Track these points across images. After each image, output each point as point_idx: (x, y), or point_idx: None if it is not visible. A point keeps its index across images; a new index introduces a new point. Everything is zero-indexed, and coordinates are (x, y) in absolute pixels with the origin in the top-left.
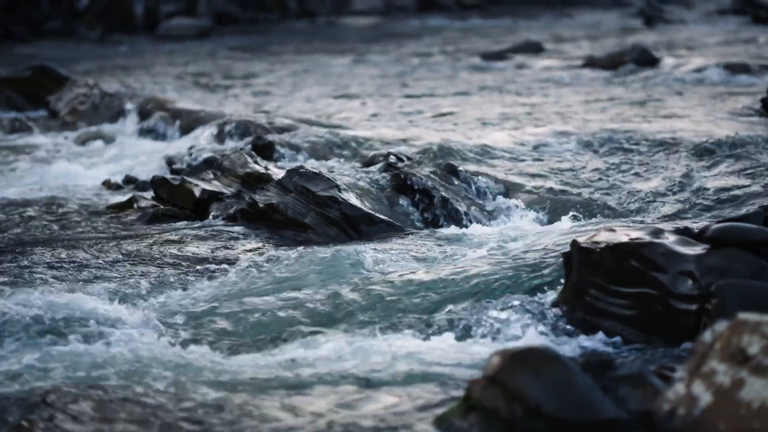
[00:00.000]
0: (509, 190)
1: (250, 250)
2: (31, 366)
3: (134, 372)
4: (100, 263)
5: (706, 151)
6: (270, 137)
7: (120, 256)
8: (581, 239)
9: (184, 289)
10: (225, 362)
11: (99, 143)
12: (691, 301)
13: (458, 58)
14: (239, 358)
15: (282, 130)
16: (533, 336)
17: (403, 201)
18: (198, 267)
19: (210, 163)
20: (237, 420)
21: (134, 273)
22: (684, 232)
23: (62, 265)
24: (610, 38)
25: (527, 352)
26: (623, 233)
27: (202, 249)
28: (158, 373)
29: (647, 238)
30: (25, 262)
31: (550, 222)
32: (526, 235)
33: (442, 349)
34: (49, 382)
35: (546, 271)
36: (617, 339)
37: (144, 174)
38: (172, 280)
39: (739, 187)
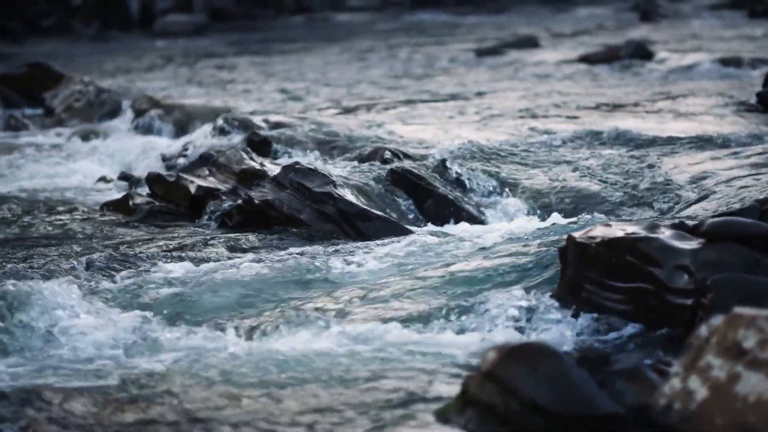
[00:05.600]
0: (505, 185)
1: (245, 247)
2: (21, 362)
3: (122, 368)
4: (93, 260)
5: (702, 146)
6: (265, 133)
7: (115, 254)
8: (577, 234)
9: (178, 286)
10: (211, 354)
11: (94, 140)
12: (687, 295)
13: (453, 53)
14: (227, 351)
15: (277, 126)
16: (529, 331)
17: (399, 197)
18: (191, 263)
19: (205, 160)
20: (228, 412)
21: (126, 269)
22: (679, 227)
23: (54, 262)
24: (606, 33)
25: (523, 347)
26: (619, 228)
27: (196, 246)
28: (148, 369)
29: (643, 233)
30: (17, 259)
31: (546, 217)
32: (521, 230)
33: (438, 345)
34: (41, 378)
35: (542, 267)
36: (613, 334)
37: (139, 171)
38: (165, 276)
39: (734, 182)
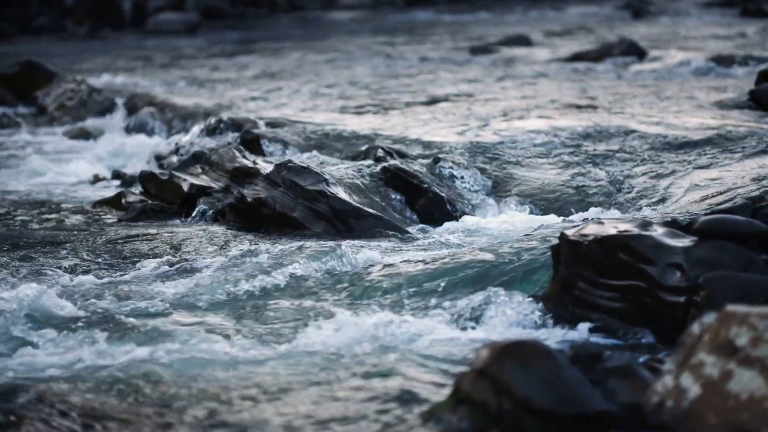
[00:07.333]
0: (497, 183)
1: (238, 245)
2: (10, 360)
3: (113, 365)
4: (85, 258)
5: (694, 144)
6: (258, 132)
7: (106, 252)
8: (569, 232)
9: (170, 284)
10: (201, 352)
11: (87, 139)
12: (680, 293)
13: (446, 51)
14: (218, 350)
15: (270, 124)
16: (522, 329)
17: (391, 195)
18: (184, 261)
19: (198, 158)
20: (218, 411)
21: (118, 268)
22: (672, 225)
23: (46, 260)
24: (599, 31)
25: (516, 345)
26: (611, 226)
27: (189, 244)
28: (138, 367)
29: (635, 231)
30: (8, 257)
31: (538, 215)
32: (514, 228)
33: (431, 343)
34: (32, 376)
35: (534, 265)
36: (606, 332)
37: (132, 169)
38: (156, 274)
39: (726, 180)
